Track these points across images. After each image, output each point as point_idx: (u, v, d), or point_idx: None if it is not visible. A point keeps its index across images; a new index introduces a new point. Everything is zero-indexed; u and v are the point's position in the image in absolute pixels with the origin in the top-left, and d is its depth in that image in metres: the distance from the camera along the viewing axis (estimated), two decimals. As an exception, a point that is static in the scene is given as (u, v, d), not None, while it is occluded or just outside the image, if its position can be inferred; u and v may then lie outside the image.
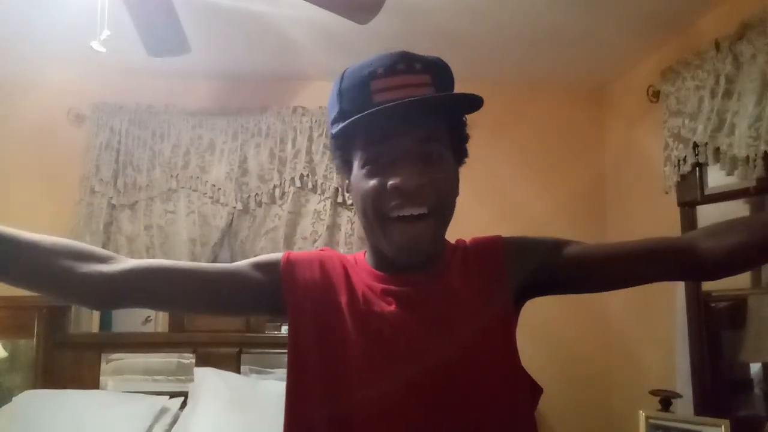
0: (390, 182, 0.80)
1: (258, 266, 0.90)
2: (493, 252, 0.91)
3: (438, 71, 0.84)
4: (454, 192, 0.87)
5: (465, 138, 0.90)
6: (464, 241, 0.96)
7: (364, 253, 0.95)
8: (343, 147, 0.87)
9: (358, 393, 0.81)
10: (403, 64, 0.81)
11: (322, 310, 0.86)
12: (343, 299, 0.86)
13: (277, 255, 0.92)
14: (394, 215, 0.81)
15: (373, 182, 0.82)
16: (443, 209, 0.83)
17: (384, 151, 0.81)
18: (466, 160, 0.91)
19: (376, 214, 0.82)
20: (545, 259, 0.89)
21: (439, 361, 0.82)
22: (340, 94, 0.84)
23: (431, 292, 0.87)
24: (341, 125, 0.82)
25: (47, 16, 2.37)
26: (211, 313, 0.94)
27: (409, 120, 0.80)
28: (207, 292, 0.88)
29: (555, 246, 0.91)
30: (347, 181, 0.90)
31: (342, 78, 0.85)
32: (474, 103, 0.82)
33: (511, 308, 0.88)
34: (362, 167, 0.83)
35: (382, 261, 0.89)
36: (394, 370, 0.82)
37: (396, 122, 0.80)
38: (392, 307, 0.85)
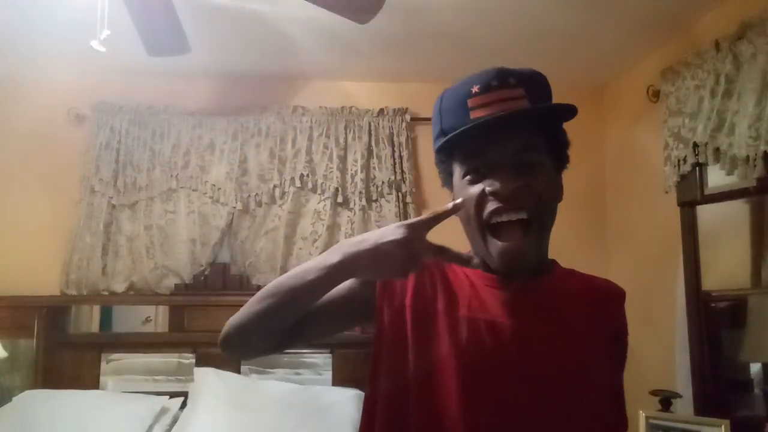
0: (488, 188, 0.84)
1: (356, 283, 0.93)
2: (617, 309, 0.99)
3: (532, 84, 0.88)
4: (555, 197, 0.90)
5: (565, 144, 0.93)
6: (574, 271, 0.98)
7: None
8: (445, 161, 0.92)
9: (449, 401, 0.82)
10: (497, 80, 0.85)
11: (417, 316, 0.88)
12: (440, 305, 0.88)
13: None
14: (494, 221, 0.84)
15: (473, 190, 0.86)
16: (543, 215, 0.87)
17: (482, 162, 0.85)
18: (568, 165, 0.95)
19: (478, 222, 0.86)
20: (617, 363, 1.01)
21: (542, 376, 0.84)
22: (440, 114, 0.89)
23: (541, 302, 0.89)
24: (442, 141, 0.87)
25: (47, 15, 2.37)
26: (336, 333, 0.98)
27: (504, 132, 0.84)
28: (334, 323, 0.95)
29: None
30: (452, 193, 0.94)
31: (441, 99, 0.91)
32: (567, 112, 0.86)
33: (614, 365, 0.98)
34: (463, 177, 0.88)
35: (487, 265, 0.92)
36: (493, 376, 0.84)
37: (492, 135, 0.84)
38: (497, 312, 0.87)
